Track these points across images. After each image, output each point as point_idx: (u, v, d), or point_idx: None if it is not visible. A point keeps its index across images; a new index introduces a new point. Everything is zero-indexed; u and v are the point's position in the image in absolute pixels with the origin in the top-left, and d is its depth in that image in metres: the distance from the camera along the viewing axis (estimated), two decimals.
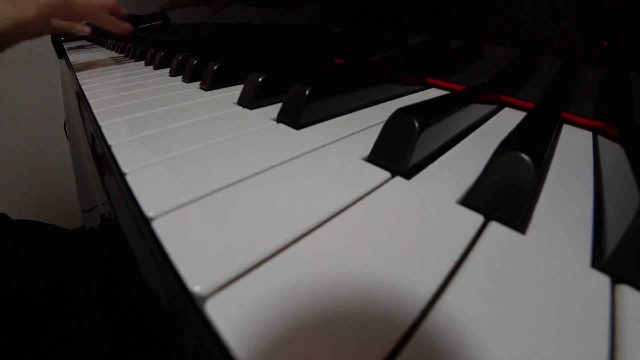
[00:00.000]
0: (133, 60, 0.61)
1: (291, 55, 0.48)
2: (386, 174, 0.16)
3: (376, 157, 0.18)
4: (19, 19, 0.43)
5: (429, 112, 0.18)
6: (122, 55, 0.70)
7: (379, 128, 0.18)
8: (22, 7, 0.43)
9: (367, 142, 0.20)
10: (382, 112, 0.27)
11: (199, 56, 0.40)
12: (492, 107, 0.28)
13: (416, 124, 0.16)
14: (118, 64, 0.57)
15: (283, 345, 0.08)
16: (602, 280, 0.10)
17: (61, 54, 0.77)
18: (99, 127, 0.24)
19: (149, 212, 0.13)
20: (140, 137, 0.22)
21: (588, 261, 0.11)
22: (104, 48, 0.91)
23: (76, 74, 0.49)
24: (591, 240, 0.12)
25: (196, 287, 0.10)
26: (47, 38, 0.95)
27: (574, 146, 0.21)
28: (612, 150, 0.19)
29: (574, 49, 0.25)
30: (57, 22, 0.64)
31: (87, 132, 0.27)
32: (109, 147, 0.20)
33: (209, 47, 0.59)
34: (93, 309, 0.39)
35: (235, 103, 0.29)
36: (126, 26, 0.57)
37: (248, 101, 0.28)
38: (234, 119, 0.25)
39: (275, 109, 0.26)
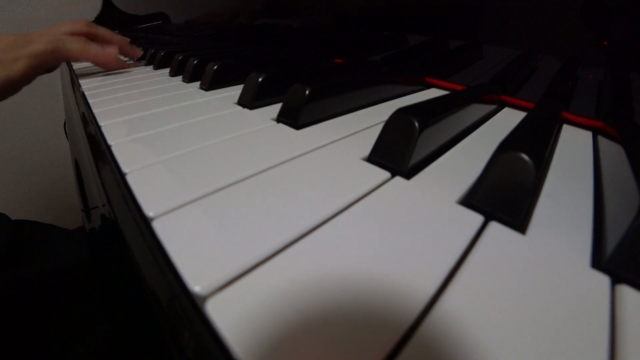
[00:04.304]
0: (133, 60, 0.61)
1: (291, 55, 0.48)
2: (386, 174, 0.16)
3: (376, 157, 0.18)
4: (7, 76, 0.39)
5: (429, 112, 0.18)
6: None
7: (379, 128, 0.18)
8: (11, 63, 0.39)
9: (367, 142, 0.20)
10: (382, 112, 0.27)
11: (199, 56, 0.40)
12: (492, 107, 0.28)
13: (416, 124, 0.16)
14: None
15: (283, 345, 0.08)
16: (602, 280, 0.10)
17: None
18: (99, 127, 0.24)
19: (149, 212, 0.13)
20: (140, 137, 0.22)
21: (588, 261, 0.11)
22: None
23: (76, 74, 0.49)
24: (591, 240, 0.12)
25: (196, 287, 0.10)
26: None
27: (574, 146, 0.21)
28: (612, 150, 0.19)
29: (574, 49, 0.25)
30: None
31: (87, 132, 0.27)
32: (109, 147, 0.20)
33: (208, 47, 0.59)
34: (93, 309, 0.39)
35: (235, 103, 0.29)
36: (137, 52, 0.53)
37: (248, 101, 0.28)
38: (234, 119, 0.25)
39: (275, 109, 0.26)
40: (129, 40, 0.55)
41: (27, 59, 0.40)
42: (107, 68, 0.48)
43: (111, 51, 0.47)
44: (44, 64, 0.42)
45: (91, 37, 0.48)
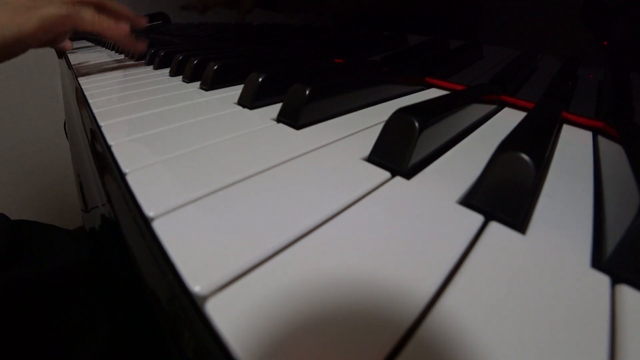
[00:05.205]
0: (133, 60, 0.61)
1: (291, 55, 0.48)
2: (386, 174, 0.16)
3: (376, 157, 0.18)
4: (20, 31, 0.40)
5: (429, 112, 0.18)
6: (122, 55, 0.70)
7: (379, 128, 0.18)
8: (25, 18, 0.40)
9: (367, 142, 0.20)
10: (382, 112, 0.27)
11: (199, 56, 0.40)
12: (492, 107, 0.28)
13: (416, 124, 0.16)
14: (118, 64, 0.57)
15: (283, 345, 0.08)
16: (602, 280, 0.10)
17: (61, 54, 0.77)
18: (99, 127, 0.24)
19: (149, 212, 0.13)
20: (140, 137, 0.22)
21: (588, 261, 0.11)
22: (104, 48, 0.91)
23: (76, 74, 0.49)
24: (591, 240, 0.12)
25: (196, 287, 0.10)
26: None
27: (574, 146, 0.21)
28: (612, 150, 0.19)
29: (574, 49, 0.25)
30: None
31: (87, 132, 0.27)
32: (109, 147, 0.20)
33: (209, 47, 0.59)
34: (93, 309, 0.39)
35: (235, 103, 0.29)
36: (141, 46, 0.51)
37: (248, 101, 0.28)
38: (234, 119, 0.25)
39: (275, 109, 0.26)
40: (138, 15, 0.54)
41: (39, 20, 0.41)
42: (115, 42, 0.47)
43: (123, 27, 0.46)
44: (55, 28, 0.42)
45: (100, 7, 0.47)
